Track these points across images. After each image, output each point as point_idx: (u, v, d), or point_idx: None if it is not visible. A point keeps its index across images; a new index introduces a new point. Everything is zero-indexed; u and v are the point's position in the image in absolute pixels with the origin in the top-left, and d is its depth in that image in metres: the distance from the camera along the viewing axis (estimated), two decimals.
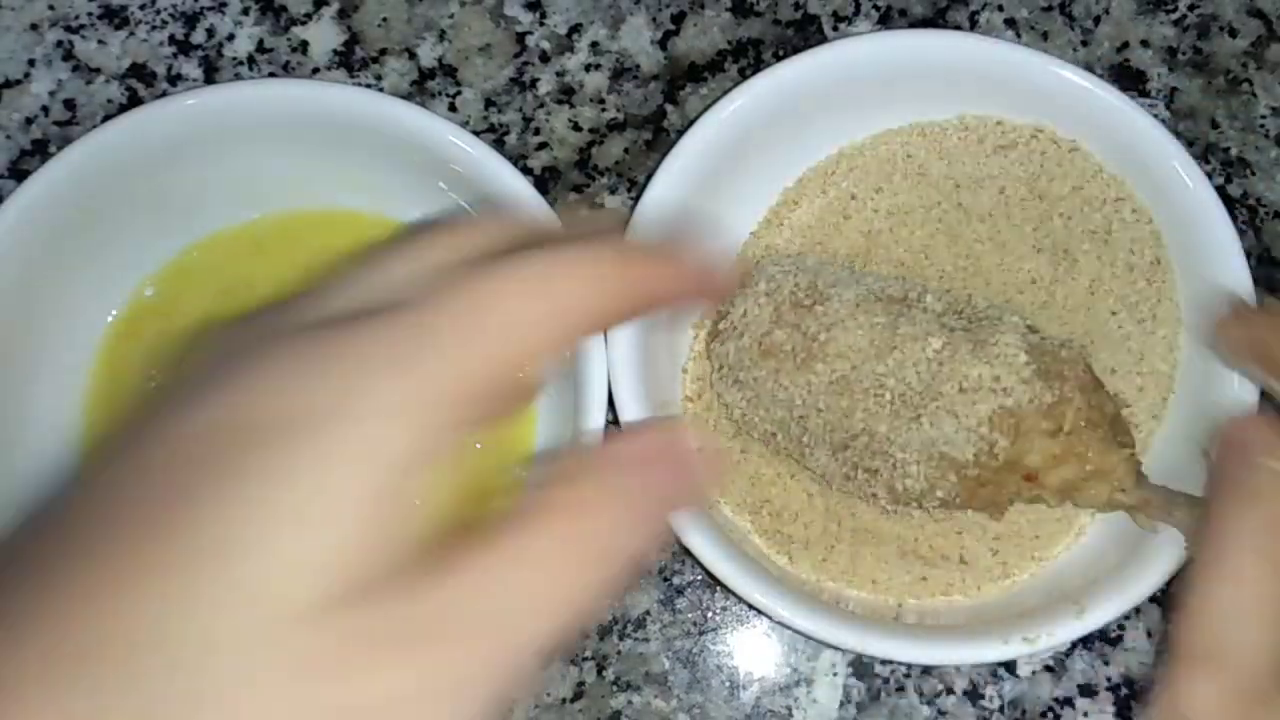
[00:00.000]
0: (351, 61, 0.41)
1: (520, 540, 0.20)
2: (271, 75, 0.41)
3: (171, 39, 0.41)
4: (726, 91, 0.36)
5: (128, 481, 0.19)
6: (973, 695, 0.38)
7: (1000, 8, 0.42)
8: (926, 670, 0.38)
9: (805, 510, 0.36)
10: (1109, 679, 0.38)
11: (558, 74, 0.41)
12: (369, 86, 0.41)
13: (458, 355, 0.20)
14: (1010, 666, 0.38)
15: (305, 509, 0.18)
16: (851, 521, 0.36)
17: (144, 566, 0.18)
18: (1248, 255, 0.35)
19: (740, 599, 0.33)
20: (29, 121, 0.40)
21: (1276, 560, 0.25)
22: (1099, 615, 0.33)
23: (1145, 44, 0.42)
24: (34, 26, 0.41)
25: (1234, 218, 0.35)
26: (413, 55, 0.41)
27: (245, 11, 0.41)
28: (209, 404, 0.20)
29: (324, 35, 0.41)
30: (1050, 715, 0.38)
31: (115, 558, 0.18)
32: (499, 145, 0.40)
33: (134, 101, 0.40)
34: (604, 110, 0.41)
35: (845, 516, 0.36)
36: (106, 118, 0.40)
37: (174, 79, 0.41)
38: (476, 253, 0.23)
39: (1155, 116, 0.35)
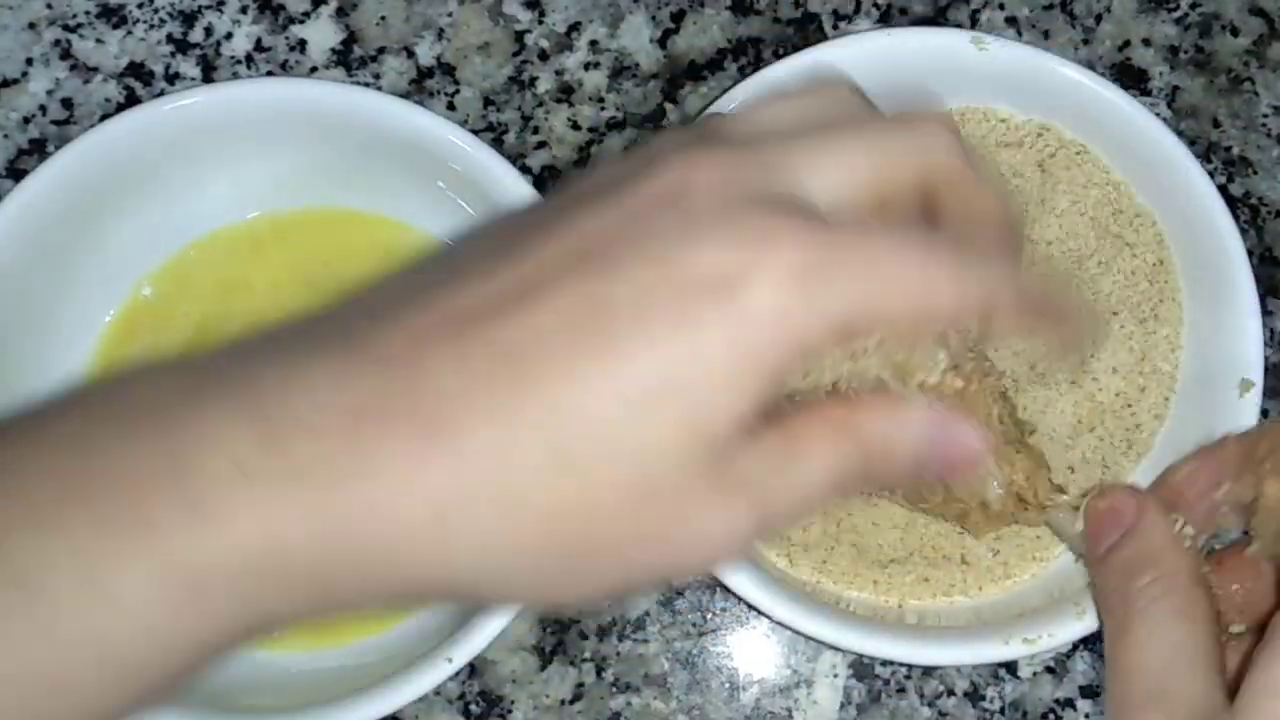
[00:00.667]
0: (350, 60, 0.41)
1: None
2: (269, 74, 0.41)
3: (169, 38, 0.41)
4: (726, 90, 0.36)
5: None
6: (974, 696, 0.37)
7: (1001, 6, 0.42)
8: (927, 671, 0.38)
9: None
10: None
11: (557, 73, 0.41)
12: (367, 85, 0.40)
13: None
14: (1011, 667, 0.38)
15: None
16: (851, 523, 0.36)
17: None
18: (1249, 254, 0.35)
19: (740, 600, 0.33)
20: (27, 121, 0.40)
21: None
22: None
23: (1147, 42, 0.42)
24: (31, 25, 0.41)
25: (1236, 217, 0.35)
26: (411, 54, 0.41)
27: (243, 10, 0.41)
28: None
29: (322, 34, 0.41)
30: (1051, 716, 0.37)
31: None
32: (498, 144, 0.40)
33: (132, 100, 0.40)
34: (603, 109, 0.41)
35: (845, 518, 0.36)
36: (104, 117, 0.40)
37: (172, 78, 0.41)
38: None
39: (1157, 115, 0.35)
